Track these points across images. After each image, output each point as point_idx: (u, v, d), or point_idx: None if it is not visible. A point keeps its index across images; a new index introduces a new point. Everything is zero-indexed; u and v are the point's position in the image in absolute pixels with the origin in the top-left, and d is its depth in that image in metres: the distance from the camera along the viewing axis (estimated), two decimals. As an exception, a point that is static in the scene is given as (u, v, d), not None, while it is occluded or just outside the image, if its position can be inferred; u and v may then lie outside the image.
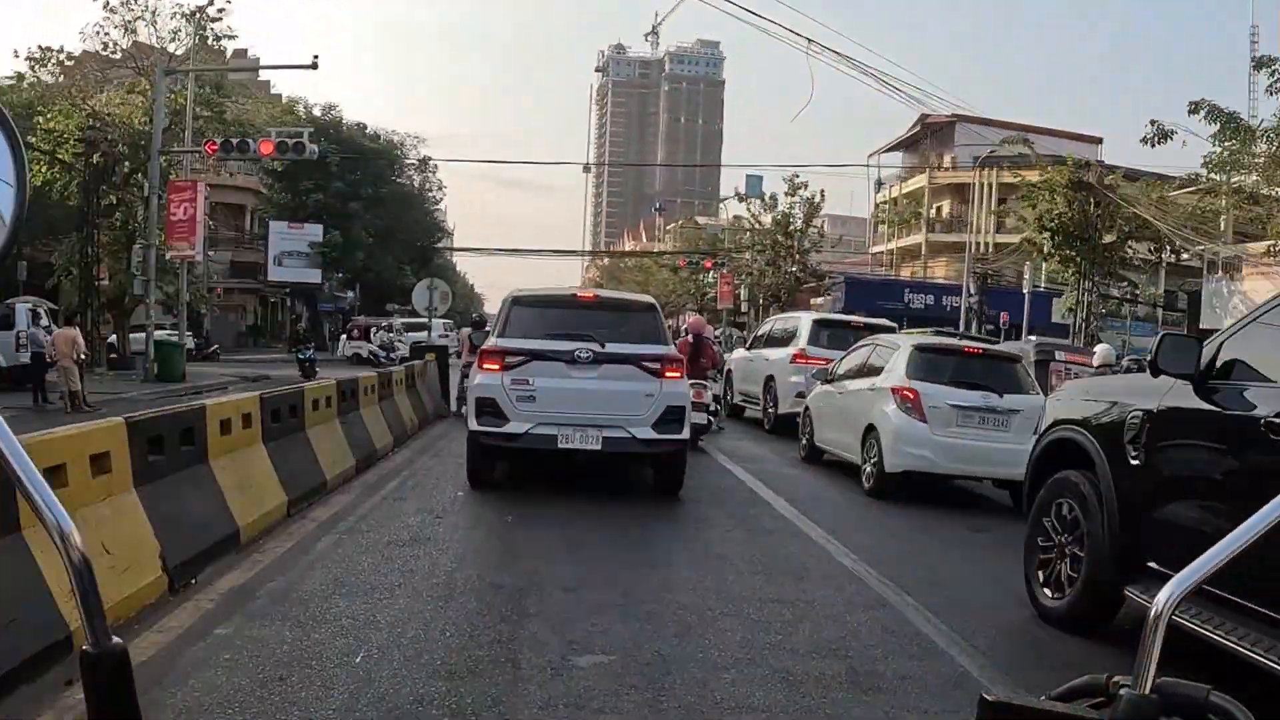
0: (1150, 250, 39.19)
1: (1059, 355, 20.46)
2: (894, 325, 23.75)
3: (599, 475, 14.39)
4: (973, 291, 54.49)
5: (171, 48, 39.30)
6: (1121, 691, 1.57)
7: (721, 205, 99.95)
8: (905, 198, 77.61)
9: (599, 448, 12.46)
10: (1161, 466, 7.16)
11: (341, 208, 67.33)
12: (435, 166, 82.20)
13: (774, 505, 13.31)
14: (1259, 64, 26.77)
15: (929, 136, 74.30)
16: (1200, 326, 35.52)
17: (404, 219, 74.09)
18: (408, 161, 77.93)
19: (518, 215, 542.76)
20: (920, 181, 75.50)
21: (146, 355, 35.38)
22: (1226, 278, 33.85)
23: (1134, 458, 7.32)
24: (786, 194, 64.83)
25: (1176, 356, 6.79)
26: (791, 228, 65.12)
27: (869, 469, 14.86)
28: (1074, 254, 37.03)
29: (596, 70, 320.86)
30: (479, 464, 13.22)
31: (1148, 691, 1.55)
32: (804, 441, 18.20)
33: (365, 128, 72.29)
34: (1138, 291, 43.63)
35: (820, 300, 65.30)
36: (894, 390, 14.60)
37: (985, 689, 1.90)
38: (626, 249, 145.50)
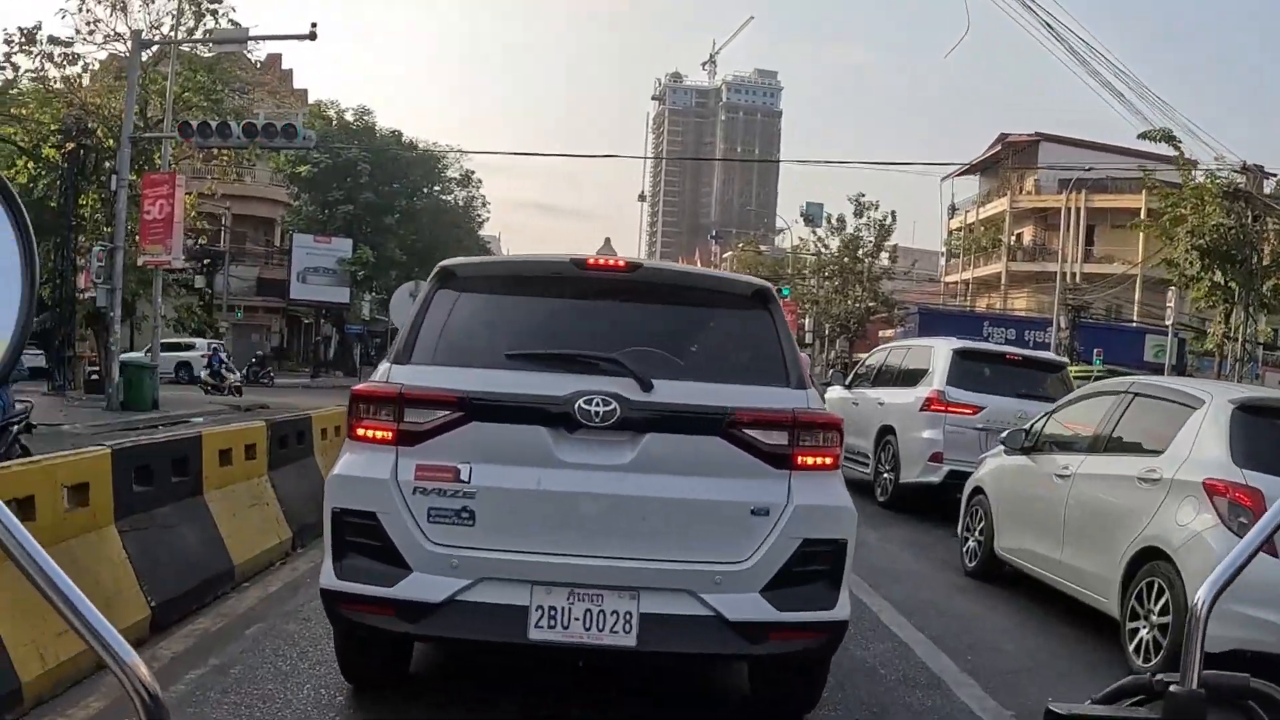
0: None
1: None
2: (1064, 361, 17.84)
3: (625, 680, 7.12)
4: (1063, 325, 49.68)
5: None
6: (1171, 688, 1.64)
7: (783, 226, 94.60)
8: (982, 224, 71.95)
9: (632, 643, 5.47)
10: None
11: (374, 221, 62.54)
12: (479, 181, 76.76)
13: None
14: None
15: (1010, 157, 68.73)
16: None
17: (444, 237, 68.88)
18: (449, 175, 72.83)
19: (572, 244, 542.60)
20: (999, 206, 69.77)
21: (111, 379, 29.91)
22: None
23: None
24: (855, 214, 59.87)
25: None
26: (861, 251, 60.16)
27: (1145, 634, 8.08)
28: (1228, 278, 30.76)
29: (653, 99, 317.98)
30: (357, 658, 6.44)
31: (1195, 686, 1.62)
32: (971, 544, 11.79)
33: (401, 135, 66.98)
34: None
35: (892, 332, 60.96)
36: (1210, 487, 7.79)
37: None
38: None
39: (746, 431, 5.68)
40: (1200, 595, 1.64)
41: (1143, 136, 30.64)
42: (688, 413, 5.66)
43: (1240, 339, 31.51)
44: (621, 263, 6.39)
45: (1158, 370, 44.01)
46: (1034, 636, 9.39)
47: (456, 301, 6.21)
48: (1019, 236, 69.75)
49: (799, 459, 5.73)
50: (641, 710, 6.73)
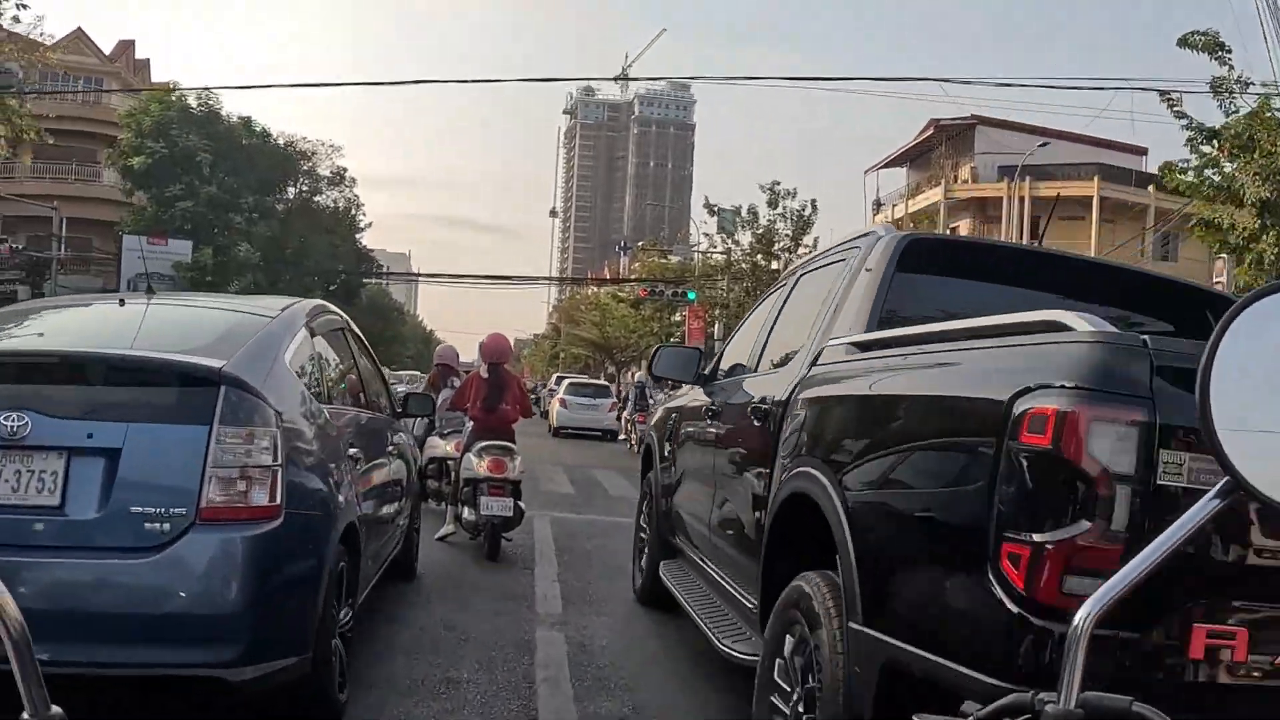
0: None
1: None
2: None
3: None
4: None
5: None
6: (1047, 708, 1.57)
7: (693, 226, 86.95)
8: (911, 218, 64.40)
9: None
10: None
11: (220, 220, 54.04)
12: (353, 180, 67.29)
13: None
14: None
15: (943, 144, 61.20)
16: None
17: (317, 242, 60.42)
18: (320, 172, 63.79)
19: (484, 260, 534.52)
20: (932, 197, 62.14)
21: None
22: None
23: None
24: (769, 205, 51.95)
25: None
26: (776, 247, 52.37)
27: None
28: None
29: (564, 113, 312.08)
30: None
31: (1073, 706, 1.56)
32: None
33: (250, 122, 57.86)
34: None
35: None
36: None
37: None
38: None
39: None
40: (1080, 614, 1.60)
41: (1182, 43, 19.59)
42: None
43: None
44: None
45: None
46: None
47: None
48: (955, 230, 62.73)
49: None
50: None
